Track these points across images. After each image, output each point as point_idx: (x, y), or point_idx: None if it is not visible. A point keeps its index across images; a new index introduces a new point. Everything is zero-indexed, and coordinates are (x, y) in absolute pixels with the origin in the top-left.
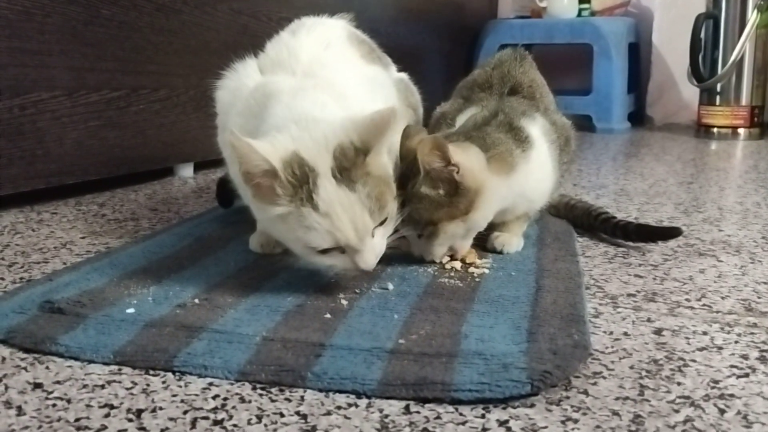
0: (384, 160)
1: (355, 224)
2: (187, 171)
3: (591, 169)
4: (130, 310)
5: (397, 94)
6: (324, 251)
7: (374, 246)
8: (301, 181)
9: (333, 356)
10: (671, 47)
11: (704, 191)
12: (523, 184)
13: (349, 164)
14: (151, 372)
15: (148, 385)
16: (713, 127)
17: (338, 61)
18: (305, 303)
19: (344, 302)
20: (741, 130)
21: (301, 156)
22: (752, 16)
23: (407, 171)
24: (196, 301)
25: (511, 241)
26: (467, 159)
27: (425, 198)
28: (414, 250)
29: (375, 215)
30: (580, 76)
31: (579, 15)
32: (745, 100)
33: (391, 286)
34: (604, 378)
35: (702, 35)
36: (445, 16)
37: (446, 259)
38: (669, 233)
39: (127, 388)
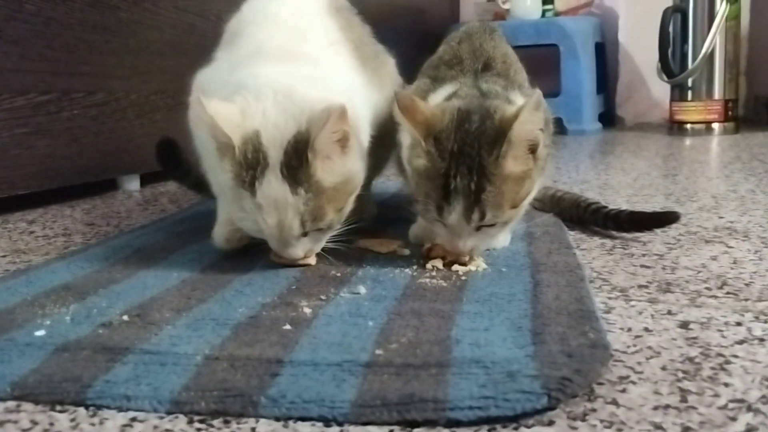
0: (343, 162)
1: (282, 227)
2: (132, 184)
3: (569, 166)
4: (40, 333)
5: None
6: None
7: (302, 244)
8: (250, 165)
9: (294, 374)
10: (638, 45)
11: (692, 182)
12: None
13: (297, 163)
14: (58, 407)
15: (51, 424)
16: (686, 123)
17: (317, 35)
18: (260, 314)
19: (307, 311)
20: (715, 125)
21: (260, 140)
22: (721, 8)
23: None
24: (125, 318)
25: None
26: None
27: (510, 177)
28: (457, 244)
29: (307, 224)
30: (547, 79)
31: (543, 16)
32: (717, 94)
33: (363, 290)
34: (634, 383)
35: (670, 29)
36: (406, 22)
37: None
38: (666, 219)
39: (24, 430)
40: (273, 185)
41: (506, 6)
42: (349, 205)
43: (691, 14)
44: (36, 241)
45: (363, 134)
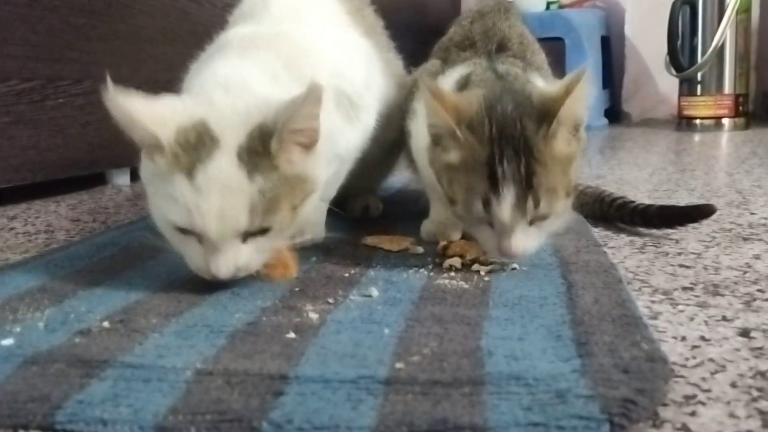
0: (305, 162)
1: (223, 215)
2: (122, 178)
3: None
4: (7, 341)
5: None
6: (182, 232)
7: (239, 252)
8: (191, 147)
9: (301, 393)
10: (645, 39)
11: (712, 177)
12: None
13: (261, 149)
14: None
15: None
16: (695, 118)
17: (317, 18)
18: (259, 320)
19: (313, 316)
20: (725, 121)
21: (207, 125)
22: (732, 1)
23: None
24: (106, 324)
25: None
26: None
27: (559, 159)
28: (509, 246)
29: (256, 218)
30: (552, 73)
31: (547, 8)
32: (728, 88)
33: (375, 293)
34: (703, 404)
35: (679, 22)
36: (407, 16)
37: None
38: (700, 212)
39: None
40: (222, 167)
41: None
42: (303, 210)
43: (701, 7)
44: (16, 238)
45: (367, 111)
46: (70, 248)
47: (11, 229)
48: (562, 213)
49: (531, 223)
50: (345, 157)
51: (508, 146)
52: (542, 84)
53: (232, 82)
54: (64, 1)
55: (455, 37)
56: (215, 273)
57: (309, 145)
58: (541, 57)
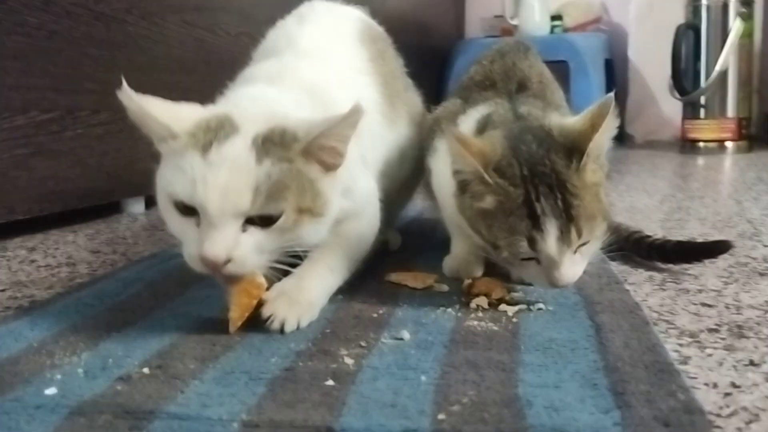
0: (321, 181)
1: (226, 191)
2: (137, 206)
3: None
4: (51, 390)
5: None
6: (182, 212)
7: (234, 235)
8: (210, 130)
9: None
10: (648, 62)
11: (721, 205)
12: None
13: (278, 141)
14: None
15: None
16: (699, 141)
17: (340, 63)
18: (296, 365)
19: (349, 361)
20: (728, 144)
21: (230, 116)
22: (735, 25)
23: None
24: (146, 370)
25: None
26: None
27: (591, 188)
28: (559, 276)
29: (258, 200)
30: None
31: (551, 32)
32: (731, 112)
33: (407, 335)
34: None
35: (683, 47)
36: (412, 38)
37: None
38: (717, 249)
39: None
40: (236, 147)
41: (514, 22)
42: (307, 226)
43: (704, 31)
44: (38, 271)
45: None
46: (95, 284)
47: (32, 261)
48: (600, 237)
49: (575, 251)
50: (358, 200)
51: (542, 184)
52: (559, 119)
53: (259, 99)
54: (83, 33)
55: (476, 77)
56: (207, 252)
57: (330, 167)
58: (559, 95)
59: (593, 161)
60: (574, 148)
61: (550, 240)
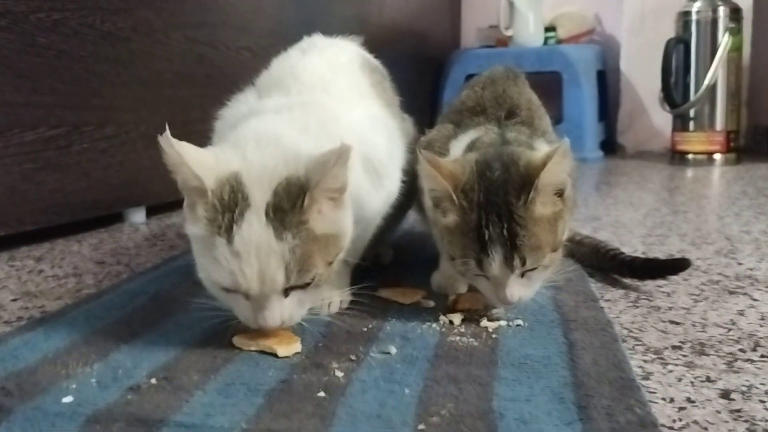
0: (336, 216)
1: (263, 276)
2: (138, 216)
3: (578, 199)
4: (68, 399)
5: (400, 135)
6: (228, 291)
7: (282, 307)
8: (227, 207)
9: None
10: (640, 74)
11: (703, 221)
12: None
13: (288, 206)
14: None
15: None
16: (688, 153)
17: (344, 89)
18: (291, 377)
19: (339, 374)
20: (717, 156)
21: (240, 180)
22: (724, 40)
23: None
24: (153, 381)
25: None
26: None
27: (541, 220)
28: (504, 295)
29: (292, 275)
30: (549, 106)
31: (545, 44)
32: (720, 125)
33: (393, 350)
34: None
35: (673, 60)
36: (408, 47)
37: (455, 317)
38: (677, 266)
39: None
40: (254, 228)
41: (508, 33)
42: (336, 265)
43: (694, 45)
44: (46, 282)
45: (390, 179)
46: (102, 297)
47: (40, 271)
48: (551, 264)
49: (522, 275)
50: (370, 220)
51: (492, 212)
52: (545, 149)
53: (263, 136)
54: (90, 51)
55: (468, 102)
56: (265, 325)
57: (338, 197)
58: (546, 121)
59: (548, 195)
60: (526, 182)
61: (494, 264)
